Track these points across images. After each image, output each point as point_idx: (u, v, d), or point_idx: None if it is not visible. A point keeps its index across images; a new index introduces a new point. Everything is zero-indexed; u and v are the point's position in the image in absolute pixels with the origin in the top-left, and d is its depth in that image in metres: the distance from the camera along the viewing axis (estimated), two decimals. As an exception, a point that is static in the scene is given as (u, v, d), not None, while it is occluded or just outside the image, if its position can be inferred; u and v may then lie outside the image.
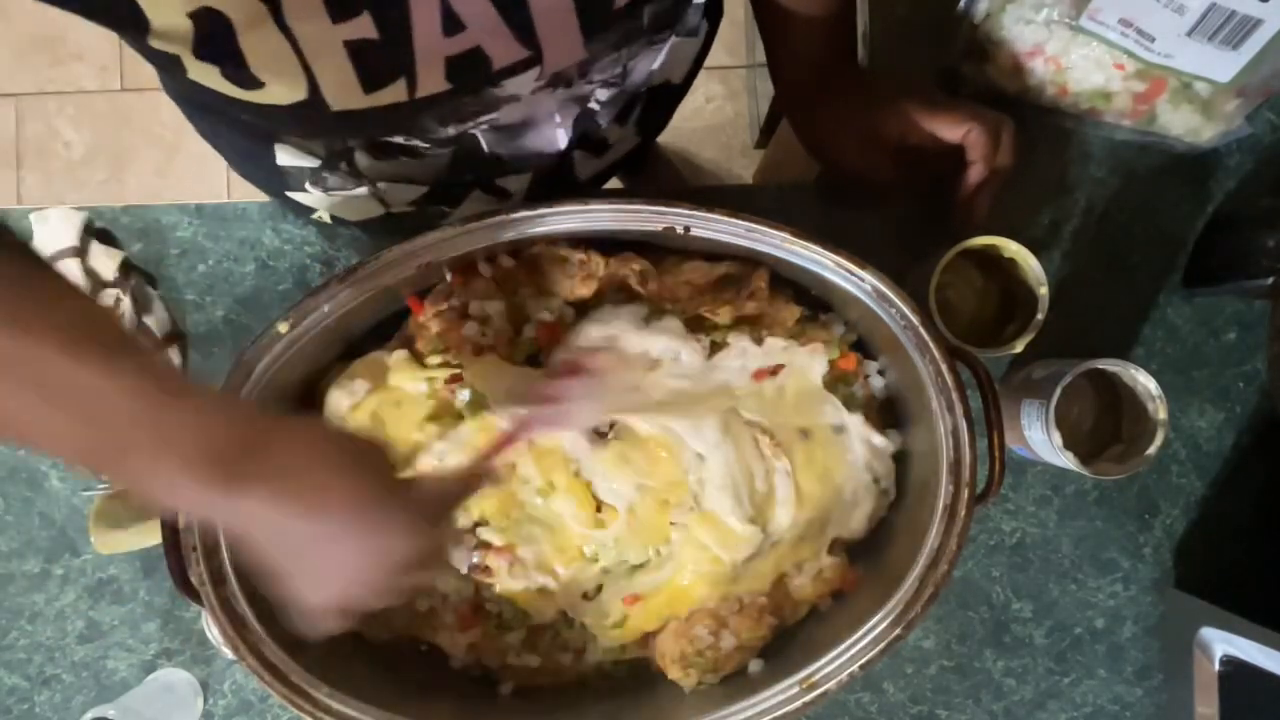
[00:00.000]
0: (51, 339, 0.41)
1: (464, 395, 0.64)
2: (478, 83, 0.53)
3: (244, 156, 0.70)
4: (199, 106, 0.65)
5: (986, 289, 0.75)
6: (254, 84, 0.48)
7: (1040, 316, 0.69)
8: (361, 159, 0.65)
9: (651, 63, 0.66)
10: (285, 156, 0.66)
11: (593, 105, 0.65)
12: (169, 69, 0.49)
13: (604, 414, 0.64)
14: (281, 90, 0.48)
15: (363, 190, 0.68)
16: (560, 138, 0.66)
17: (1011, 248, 0.69)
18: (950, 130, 0.67)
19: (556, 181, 0.72)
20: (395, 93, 0.50)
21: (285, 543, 0.46)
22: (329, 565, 0.46)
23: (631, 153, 0.79)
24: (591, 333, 0.65)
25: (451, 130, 0.59)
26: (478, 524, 0.66)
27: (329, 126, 0.57)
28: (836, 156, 0.72)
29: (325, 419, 0.51)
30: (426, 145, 0.62)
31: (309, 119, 0.51)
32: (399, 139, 0.61)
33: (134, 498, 0.73)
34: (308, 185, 0.69)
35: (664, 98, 0.74)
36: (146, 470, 0.43)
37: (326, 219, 0.75)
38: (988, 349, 0.70)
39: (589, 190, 0.80)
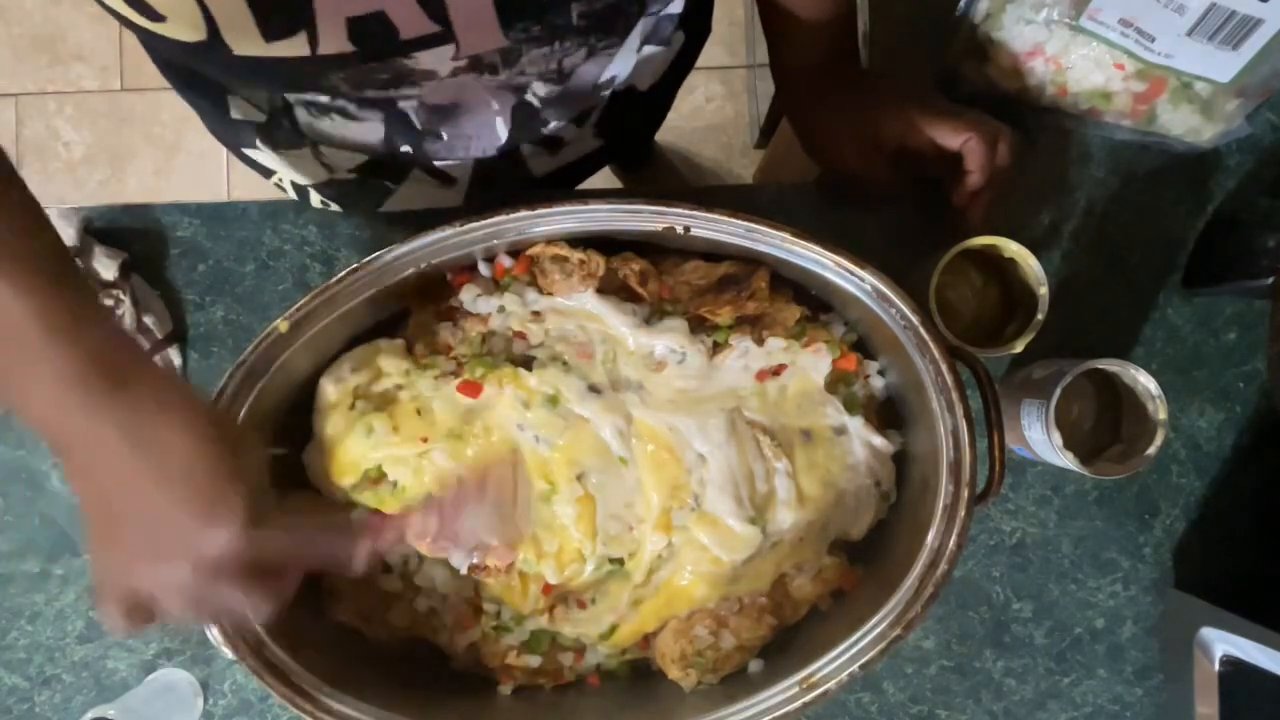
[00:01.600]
0: None
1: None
2: (384, 50, 0.53)
3: (206, 110, 0.70)
4: (153, 51, 0.65)
5: (986, 289, 0.75)
6: (156, 16, 0.48)
7: (1040, 316, 0.69)
8: (302, 115, 0.65)
9: (603, 67, 0.66)
10: (236, 110, 0.67)
11: (530, 99, 0.64)
12: None
13: (482, 543, 0.61)
14: (182, 27, 0.48)
15: (306, 151, 0.69)
16: (499, 127, 0.66)
17: (1011, 248, 0.69)
18: (949, 138, 0.67)
19: (505, 174, 0.71)
20: (296, 46, 0.50)
21: (105, 484, 0.44)
22: (135, 527, 0.44)
23: (595, 155, 0.78)
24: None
25: (370, 94, 0.59)
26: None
27: (240, 71, 0.57)
28: (836, 158, 0.73)
29: (200, 398, 0.50)
30: (354, 105, 0.62)
31: (218, 61, 0.51)
32: (323, 98, 0.61)
33: None
34: (259, 142, 0.69)
35: (631, 104, 0.73)
36: (12, 373, 0.44)
37: (288, 188, 0.75)
38: (988, 349, 0.70)
39: (585, 190, 0.80)
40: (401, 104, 0.61)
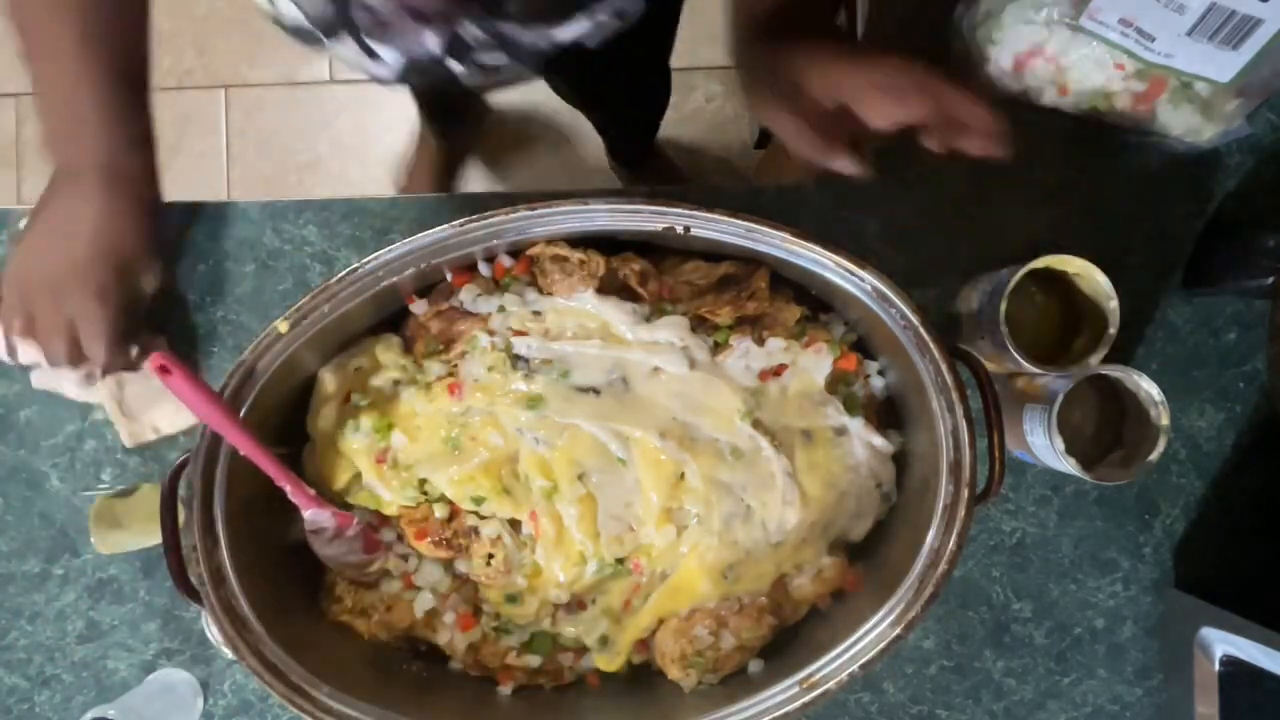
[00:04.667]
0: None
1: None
2: None
3: None
4: None
5: (1048, 305, 0.74)
6: None
7: (1112, 331, 0.68)
8: None
9: (546, 37, 0.67)
10: None
11: (463, 35, 0.66)
12: None
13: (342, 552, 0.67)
14: None
15: None
16: (430, 43, 0.68)
17: (1075, 264, 0.68)
18: (874, 114, 0.55)
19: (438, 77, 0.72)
20: None
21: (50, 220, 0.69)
22: (46, 237, 0.68)
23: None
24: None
25: None
26: (483, 516, 0.66)
27: None
28: (762, 114, 0.62)
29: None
30: None
31: None
32: None
33: None
34: None
35: (587, 56, 0.74)
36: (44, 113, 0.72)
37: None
38: (1059, 365, 0.69)
39: (585, 190, 0.79)
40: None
